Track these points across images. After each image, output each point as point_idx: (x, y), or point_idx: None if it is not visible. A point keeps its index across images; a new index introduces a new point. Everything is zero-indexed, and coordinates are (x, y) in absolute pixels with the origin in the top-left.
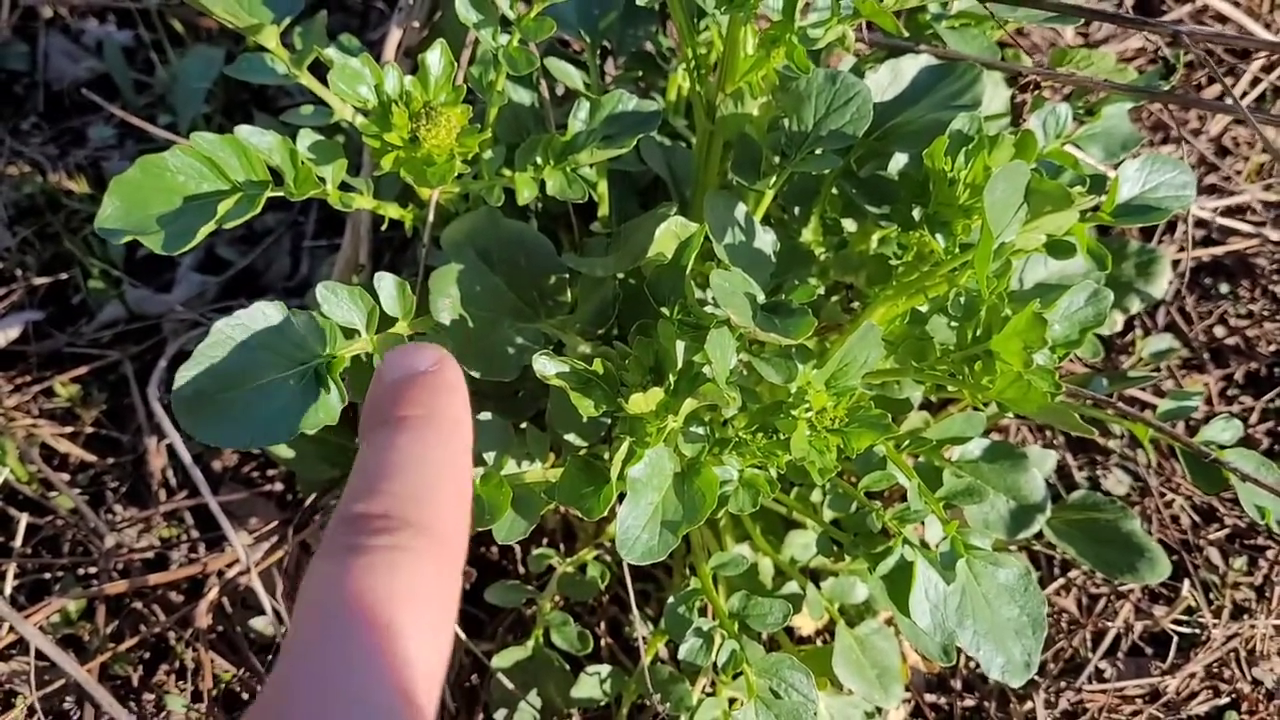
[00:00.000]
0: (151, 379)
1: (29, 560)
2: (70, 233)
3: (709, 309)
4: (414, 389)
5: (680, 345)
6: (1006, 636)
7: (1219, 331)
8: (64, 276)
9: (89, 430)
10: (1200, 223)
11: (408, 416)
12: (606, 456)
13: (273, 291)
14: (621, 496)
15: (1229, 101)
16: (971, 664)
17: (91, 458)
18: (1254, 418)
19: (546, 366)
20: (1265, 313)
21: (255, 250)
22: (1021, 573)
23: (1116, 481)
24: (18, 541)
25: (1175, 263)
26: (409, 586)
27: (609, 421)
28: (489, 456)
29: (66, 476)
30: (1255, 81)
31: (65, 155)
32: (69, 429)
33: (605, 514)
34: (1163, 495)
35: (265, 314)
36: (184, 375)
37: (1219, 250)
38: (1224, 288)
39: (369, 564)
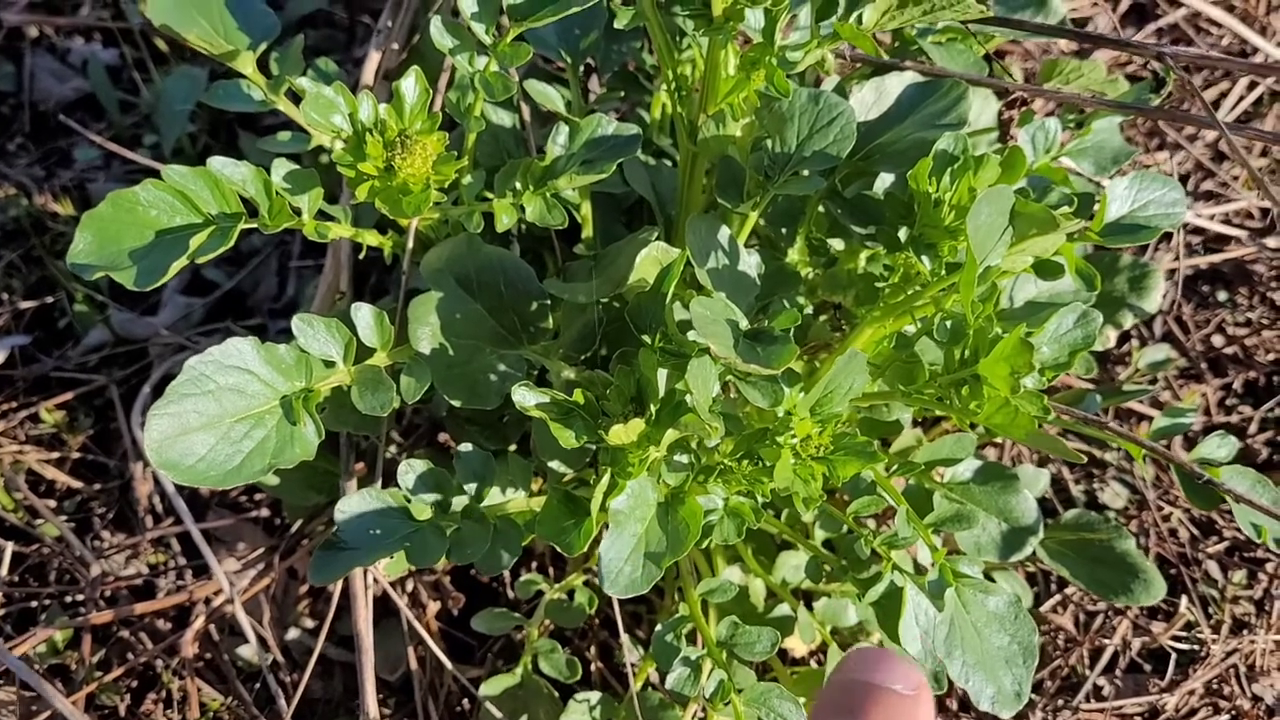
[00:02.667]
0: (137, 404)
1: (15, 589)
2: (55, 256)
3: (691, 335)
4: (891, 708)
5: (662, 374)
6: (997, 666)
7: (1217, 340)
8: (50, 300)
9: (75, 456)
10: (1197, 230)
11: None
12: (592, 481)
13: (259, 313)
14: (605, 527)
15: (1213, 117)
16: None
17: (78, 484)
18: (1253, 427)
19: (526, 398)
20: (1264, 321)
21: (242, 271)
22: (1012, 600)
23: (1114, 495)
24: (3, 570)
25: (1171, 271)
26: None
27: (594, 447)
28: (470, 487)
29: (53, 503)
30: (1252, 85)
31: (51, 177)
32: (55, 455)
33: (586, 548)
34: (1160, 509)
35: (238, 349)
36: (156, 414)
37: (1216, 257)
38: (1221, 295)
39: None
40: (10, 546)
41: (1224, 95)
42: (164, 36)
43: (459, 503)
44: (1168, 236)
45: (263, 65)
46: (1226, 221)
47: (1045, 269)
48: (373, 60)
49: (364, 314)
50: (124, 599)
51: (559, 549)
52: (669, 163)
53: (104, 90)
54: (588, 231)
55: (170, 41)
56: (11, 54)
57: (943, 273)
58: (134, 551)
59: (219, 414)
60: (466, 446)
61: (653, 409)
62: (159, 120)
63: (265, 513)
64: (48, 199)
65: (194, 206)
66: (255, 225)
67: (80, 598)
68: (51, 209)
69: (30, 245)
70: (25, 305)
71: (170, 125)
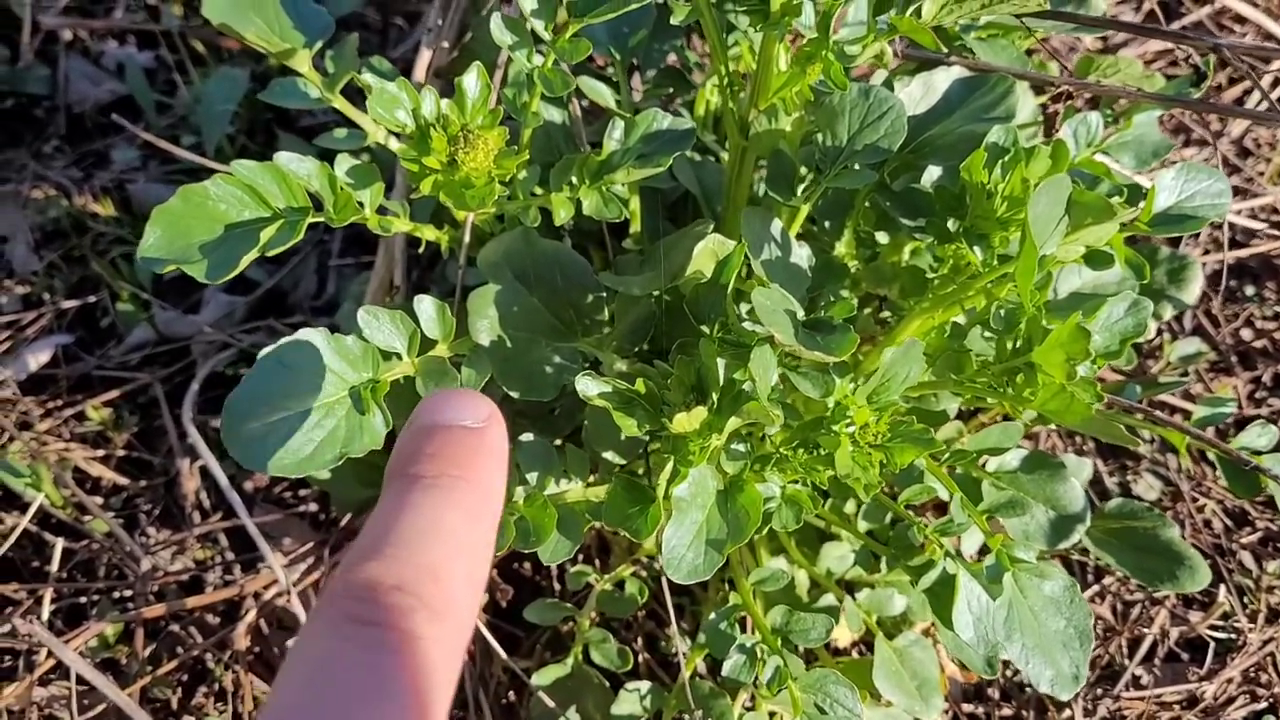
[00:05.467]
0: (184, 401)
1: (65, 585)
2: (97, 255)
3: (748, 325)
4: (455, 445)
5: (721, 363)
6: (1054, 649)
7: (1246, 334)
8: (92, 299)
9: (121, 453)
10: (1225, 224)
11: (441, 476)
12: (640, 472)
13: (300, 311)
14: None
15: (1255, 107)
16: (1009, 673)
17: (124, 481)
18: None
19: (589, 387)
20: None
21: (282, 270)
22: (1067, 584)
23: (1148, 486)
24: (54, 566)
25: (1201, 266)
26: (414, 682)
27: (647, 437)
28: (531, 477)
29: (100, 500)
30: (1277, 82)
31: (89, 178)
32: (101, 452)
33: (651, 537)
34: (1195, 500)
35: (309, 340)
36: (232, 404)
37: (1244, 252)
38: (1249, 290)
39: (375, 647)
40: (60, 542)
41: (1248, 93)
42: (201, 38)
43: (520, 492)
44: (1196, 232)
45: (316, 65)
46: (1253, 216)
47: (1096, 259)
48: (424, 57)
49: (426, 306)
50: (173, 594)
51: (627, 535)
52: (713, 158)
53: (141, 92)
54: (635, 226)
55: (208, 43)
56: (46, 57)
57: (994, 263)
58: (181, 547)
59: (292, 404)
60: (528, 436)
61: (714, 397)
62: (200, 121)
63: (312, 508)
64: (88, 199)
65: (262, 200)
66: (321, 219)
67: (130, 593)
68: (92, 209)
69: (71, 245)
70: (68, 305)
71: (212, 126)
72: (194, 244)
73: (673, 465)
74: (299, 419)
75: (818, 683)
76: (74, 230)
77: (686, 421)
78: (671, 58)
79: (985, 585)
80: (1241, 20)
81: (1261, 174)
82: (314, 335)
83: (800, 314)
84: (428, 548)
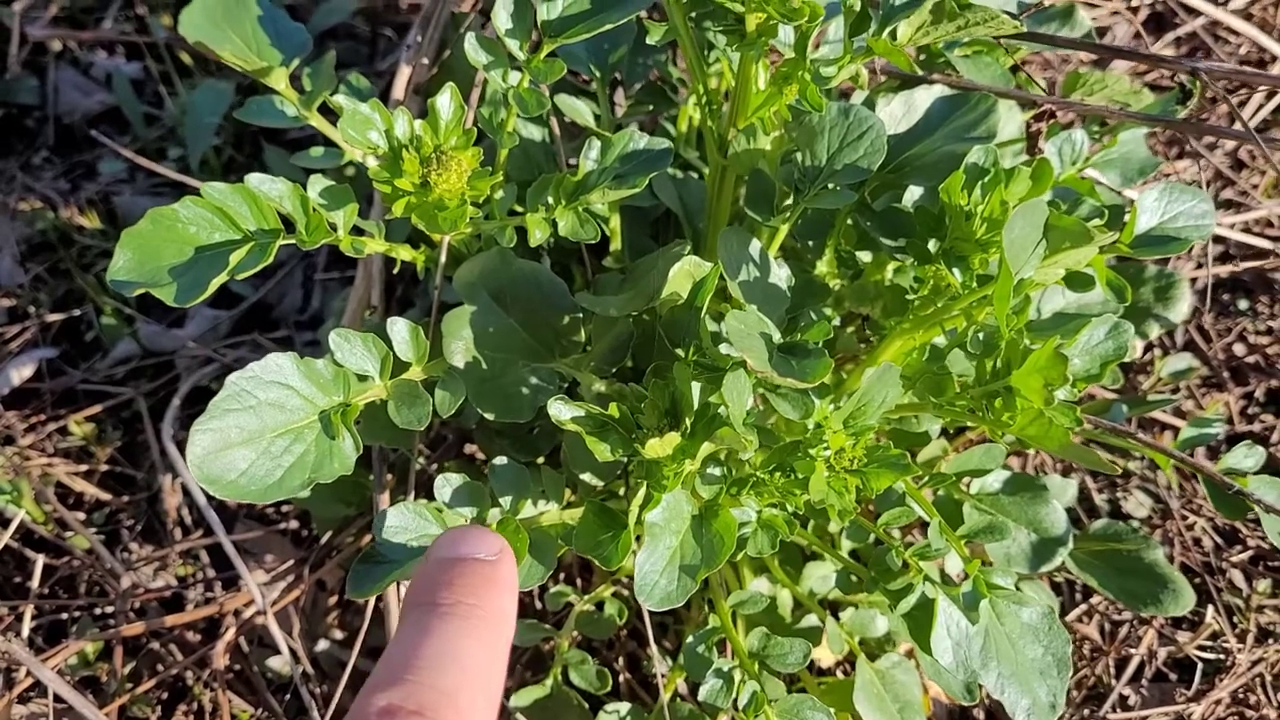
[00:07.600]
0: (166, 416)
1: (46, 601)
2: (82, 269)
3: (724, 348)
4: (469, 576)
5: (696, 387)
6: (1031, 677)
7: (1238, 349)
8: (77, 313)
9: (104, 468)
10: (1217, 239)
11: (458, 604)
12: (621, 493)
13: (285, 325)
14: (639, 540)
15: (1239, 128)
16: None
17: (106, 496)
18: (1276, 436)
19: (562, 412)
20: None
21: (267, 284)
22: (1045, 611)
23: (1137, 504)
24: (34, 583)
25: (1192, 280)
26: None
27: (626, 460)
28: (505, 501)
29: (82, 515)
30: (1270, 94)
31: (77, 190)
32: (84, 467)
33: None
34: (1184, 518)
35: (278, 364)
36: (199, 430)
37: (1237, 266)
38: (1242, 304)
39: None
40: (41, 559)
41: (1242, 105)
42: (189, 50)
43: (494, 516)
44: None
45: (294, 80)
46: (1247, 230)
47: (1077, 281)
48: (403, 75)
49: (400, 328)
50: (153, 611)
51: (597, 562)
52: (695, 175)
53: (129, 103)
54: (616, 245)
55: (195, 55)
56: (35, 68)
57: (974, 285)
58: (163, 564)
59: (259, 429)
60: (501, 460)
61: (688, 422)
62: (186, 134)
63: (294, 525)
64: (74, 212)
65: (233, 223)
66: (293, 241)
67: (110, 610)
68: (78, 222)
69: (58, 258)
70: (52, 318)
71: (197, 138)
72: (164, 266)
73: (646, 490)
74: (266, 445)
75: (795, 708)
76: (60, 243)
77: (659, 447)
78: (655, 73)
79: (963, 611)
80: (1236, 32)
81: (1255, 187)
82: (283, 359)
83: (776, 336)
84: (446, 673)
